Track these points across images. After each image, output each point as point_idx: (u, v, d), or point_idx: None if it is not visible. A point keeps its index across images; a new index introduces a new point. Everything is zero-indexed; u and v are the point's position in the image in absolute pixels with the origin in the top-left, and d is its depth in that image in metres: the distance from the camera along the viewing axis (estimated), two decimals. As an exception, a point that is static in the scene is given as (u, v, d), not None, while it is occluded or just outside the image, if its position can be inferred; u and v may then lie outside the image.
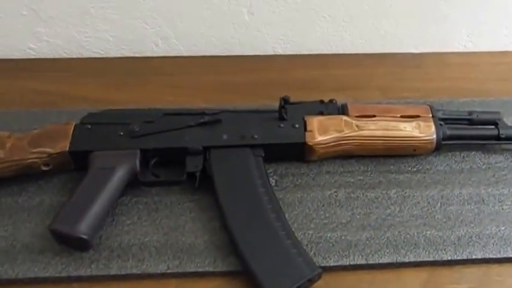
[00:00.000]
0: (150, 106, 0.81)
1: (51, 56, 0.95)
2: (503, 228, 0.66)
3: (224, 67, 0.94)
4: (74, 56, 0.95)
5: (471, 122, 0.75)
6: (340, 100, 0.76)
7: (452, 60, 0.97)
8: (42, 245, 0.64)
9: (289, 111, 0.72)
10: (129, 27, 0.92)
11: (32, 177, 0.71)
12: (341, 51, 0.99)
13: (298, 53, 0.98)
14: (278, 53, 0.98)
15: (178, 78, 0.91)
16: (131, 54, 0.96)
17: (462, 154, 0.76)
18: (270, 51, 0.98)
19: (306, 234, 0.65)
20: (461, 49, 1.00)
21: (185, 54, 0.97)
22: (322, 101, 0.75)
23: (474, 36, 0.99)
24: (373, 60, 0.97)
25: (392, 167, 0.74)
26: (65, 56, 0.95)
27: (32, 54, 0.95)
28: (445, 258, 0.63)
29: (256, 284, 0.58)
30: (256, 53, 0.97)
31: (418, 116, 0.73)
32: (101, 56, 0.95)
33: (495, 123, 0.74)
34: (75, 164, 0.70)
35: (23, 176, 0.70)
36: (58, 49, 0.94)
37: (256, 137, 0.70)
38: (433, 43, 0.99)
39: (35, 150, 0.68)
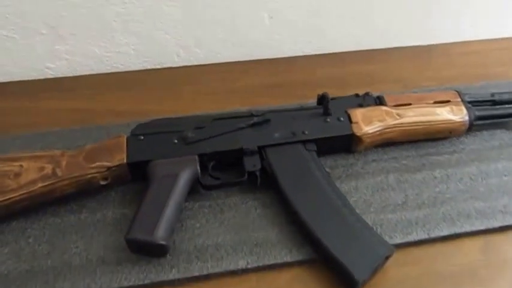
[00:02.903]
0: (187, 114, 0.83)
1: (69, 74, 0.94)
2: (541, 193, 0.73)
3: (246, 72, 0.97)
4: (93, 73, 0.95)
5: (494, 103, 0.81)
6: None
7: (458, 50, 1.05)
8: (117, 256, 0.64)
9: (330, 106, 0.76)
10: (151, 39, 0.93)
11: (89, 194, 0.71)
12: (354, 49, 1.04)
13: (316, 53, 1.02)
14: (297, 55, 1.02)
15: (207, 85, 0.93)
16: (152, 66, 0.97)
17: (489, 133, 0.82)
18: (289, 53, 1.02)
19: (369, 218, 0.69)
20: (466, 38, 1.08)
21: (206, 62, 0.98)
22: (357, 95, 0.80)
23: (476, 26, 1.08)
24: (387, 54, 1.03)
25: (431, 149, 0.79)
26: (83, 73, 0.95)
27: (50, 74, 0.94)
28: (496, 226, 0.69)
29: (340, 269, 0.61)
30: (276, 56, 1.00)
31: (448, 101, 0.79)
32: (121, 70, 0.96)
33: (516, 102, 0.81)
34: (132, 175, 0.71)
35: (80, 194, 0.70)
36: (76, 66, 0.94)
37: (306, 132, 0.74)
38: (440, 35, 1.06)
39: (93, 165, 0.68)
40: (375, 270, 0.62)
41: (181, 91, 0.91)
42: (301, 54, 1.03)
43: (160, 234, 0.63)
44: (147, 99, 0.89)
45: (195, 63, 0.98)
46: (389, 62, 1.01)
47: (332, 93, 0.78)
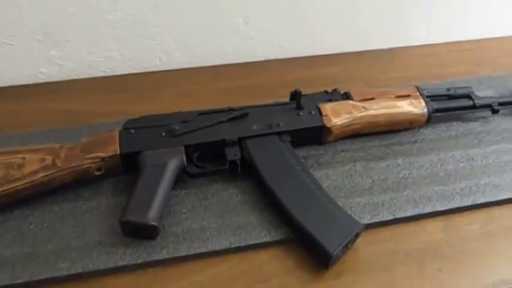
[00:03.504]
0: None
1: (60, 79, 1.00)
2: (493, 177, 0.81)
3: (223, 75, 1.04)
4: (82, 77, 1.01)
5: (449, 97, 0.90)
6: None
7: (416, 52, 1.15)
8: (112, 239, 0.70)
9: (302, 101, 0.83)
10: (137, 44, 1.00)
11: (84, 184, 0.76)
12: (323, 52, 1.12)
13: (288, 57, 1.10)
14: (270, 58, 1.10)
15: (186, 88, 1.00)
16: (136, 71, 1.03)
17: (446, 124, 0.91)
18: (262, 57, 1.10)
19: (340, 202, 0.75)
20: (422, 42, 1.18)
21: (186, 66, 1.05)
22: (326, 91, 0.88)
23: (432, 30, 1.18)
24: (352, 57, 1.12)
25: (394, 140, 0.88)
26: (73, 77, 1.00)
27: (42, 79, 0.99)
28: (455, 206, 0.76)
29: (314, 245, 0.67)
30: (251, 60, 1.08)
31: (409, 95, 0.88)
32: (108, 74, 1.02)
33: (469, 96, 0.90)
34: (124, 166, 0.77)
35: (76, 184, 0.75)
36: (67, 71, 0.99)
37: (281, 125, 0.81)
38: (400, 38, 1.16)
39: (89, 156, 0.74)
40: (346, 246, 0.68)
41: (163, 93, 0.98)
42: (273, 58, 1.10)
43: (152, 216, 0.69)
44: (131, 101, 0.95)
45: (176, 67, 1.05)
46: (354, 64, 1.10)
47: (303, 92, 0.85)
